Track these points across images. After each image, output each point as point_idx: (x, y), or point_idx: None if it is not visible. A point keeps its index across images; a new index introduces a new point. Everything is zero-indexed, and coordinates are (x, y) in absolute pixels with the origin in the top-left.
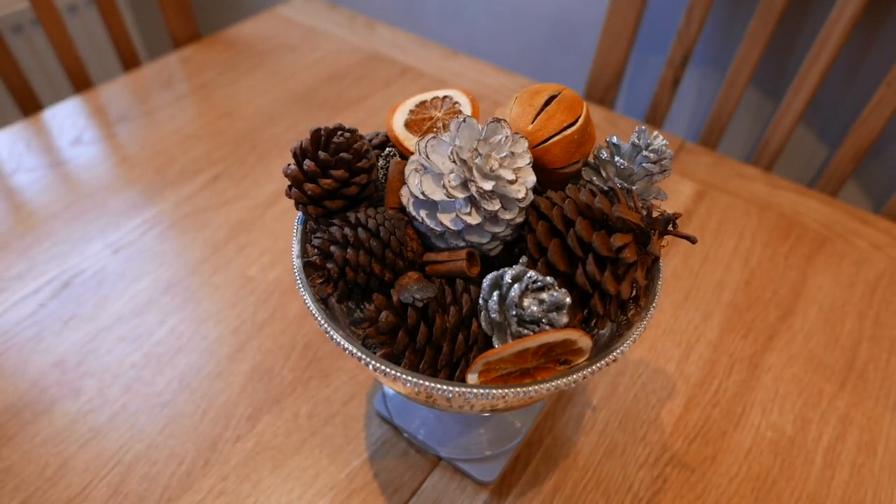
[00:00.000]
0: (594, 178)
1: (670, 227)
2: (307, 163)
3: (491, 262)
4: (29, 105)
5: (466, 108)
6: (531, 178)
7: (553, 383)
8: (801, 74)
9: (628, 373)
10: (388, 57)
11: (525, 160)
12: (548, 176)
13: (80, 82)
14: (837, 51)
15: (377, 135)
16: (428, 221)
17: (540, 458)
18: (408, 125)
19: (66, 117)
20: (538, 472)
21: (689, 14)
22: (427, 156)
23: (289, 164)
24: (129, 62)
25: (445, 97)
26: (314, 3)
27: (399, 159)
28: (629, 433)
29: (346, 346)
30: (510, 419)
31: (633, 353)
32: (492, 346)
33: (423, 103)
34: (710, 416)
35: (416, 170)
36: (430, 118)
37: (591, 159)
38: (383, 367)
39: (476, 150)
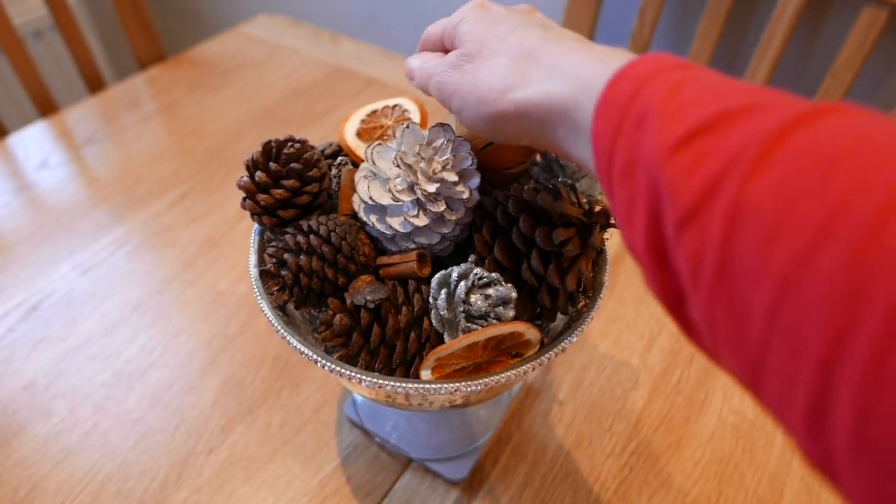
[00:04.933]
0: (542, 177)
1: (612, 220)
2: (259, 174)
3: (445, 263)
4: None
5: (415, 116)
6: (475, 180)
7: (503, 375)
8: (751, 69)
9: (593, 366)
10: (352, 70)
11: (468, 162)
12: (497, 176)
13: (46, 107)
14: (783, 46)
15: (330, 144)
16: (378, 225)
17: (509, 454)
18: (359, 134)
19: (32, 142)
20: (507, 468)
21: (642, 16)
22: (374, 162)
23: (242, 177)
24: (95, 86)
25: (395, 105)
26: (278, 20)
27: (351, 167)
28: (595, 425)
29: (303, 350)
30: (478, 417)
31: (598, 347)
32: (443, 343)
33: (373, 112)
34: (674, 404)
35: (365, 176)
36: (381, 126)
37: (539, 158)
38: (339, 369)
39: (419, 154)
